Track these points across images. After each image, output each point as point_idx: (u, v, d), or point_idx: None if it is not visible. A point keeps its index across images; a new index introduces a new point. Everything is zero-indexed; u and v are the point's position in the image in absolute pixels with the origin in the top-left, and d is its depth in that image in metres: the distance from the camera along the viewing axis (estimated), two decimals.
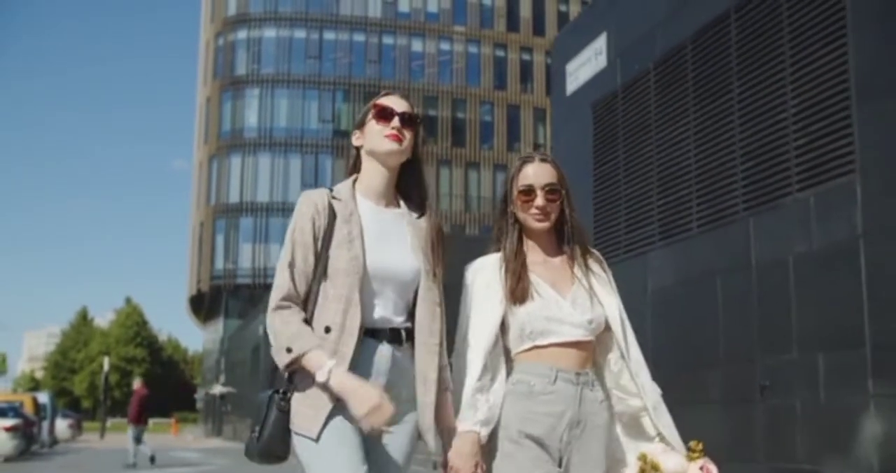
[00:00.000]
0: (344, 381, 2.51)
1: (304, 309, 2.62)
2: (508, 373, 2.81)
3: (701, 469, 2.71)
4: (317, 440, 2.55)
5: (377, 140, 2.77)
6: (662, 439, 2.81)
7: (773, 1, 7.32)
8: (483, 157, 53.52)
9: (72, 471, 17.88)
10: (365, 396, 2.50)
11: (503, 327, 2.80)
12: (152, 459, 17.68)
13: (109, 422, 43.92)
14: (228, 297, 52.56)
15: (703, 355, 7.90)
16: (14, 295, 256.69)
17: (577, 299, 2.84)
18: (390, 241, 2.74)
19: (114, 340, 64.35)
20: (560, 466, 2.74)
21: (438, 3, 57.64)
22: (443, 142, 54.55)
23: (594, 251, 3.01)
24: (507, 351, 2.83)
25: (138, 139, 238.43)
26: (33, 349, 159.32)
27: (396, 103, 2.82)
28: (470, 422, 2.72)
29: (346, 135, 53.08)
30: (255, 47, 55.59)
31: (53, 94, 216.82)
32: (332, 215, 2.69)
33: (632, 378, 2.83)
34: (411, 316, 2.73)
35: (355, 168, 2.86)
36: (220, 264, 53.04)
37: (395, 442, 2.67)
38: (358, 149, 2.86)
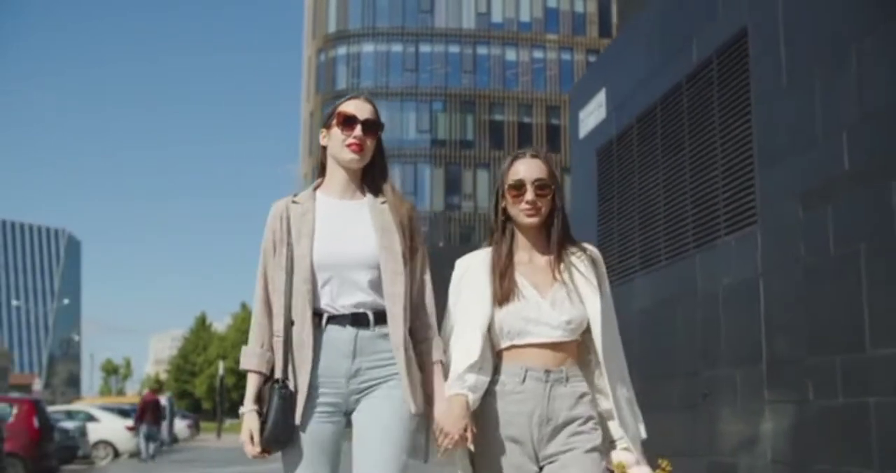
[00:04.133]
0: (246, 421, 2.76)
1: (284, 302, 2.77)
2: (496, 368, 2.84)
3: None
4: (299, 426, 2.71)
5: (339, 148, 2.86)
6: (620, 442, 2.82)
7: (708, 75, 8.87)
8: None
9: (188, 466, 19.34)
10: (243, 435, 2.76)
11: (490, 325, 2.83)
12: (147, 454, 20.53)
13: (227, 423, 46.53)
14: None
15: (667, 367, 9.49)
16: (141, 300, 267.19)
17: (557, 300, 2.83)
18: (347, 230, 2.82)
19: (230, 344, 66.71)
20: (538, 463, 2.78)
21: (531, 12, 58.88)
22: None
23: (588, 247, 3.02)
24: (493, 348, 2.86)
25: (248, 140, 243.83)
26: (158, 352, 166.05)
27: (360, 109, 2.86)
28: (457, 387, 2.73)
29: (444, 144, 55.03)
30: (355, 62, 57.83)
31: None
32: (290, 217, 2.83)
33: (604, 379, 2.84)
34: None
35: (324, 168, 2.97)
36: None
37: (379, 418, 2.74)
38: (324, 148, 2.94)
